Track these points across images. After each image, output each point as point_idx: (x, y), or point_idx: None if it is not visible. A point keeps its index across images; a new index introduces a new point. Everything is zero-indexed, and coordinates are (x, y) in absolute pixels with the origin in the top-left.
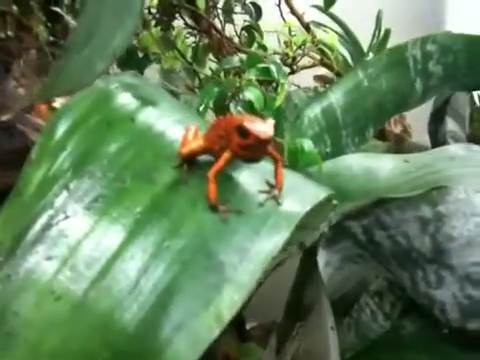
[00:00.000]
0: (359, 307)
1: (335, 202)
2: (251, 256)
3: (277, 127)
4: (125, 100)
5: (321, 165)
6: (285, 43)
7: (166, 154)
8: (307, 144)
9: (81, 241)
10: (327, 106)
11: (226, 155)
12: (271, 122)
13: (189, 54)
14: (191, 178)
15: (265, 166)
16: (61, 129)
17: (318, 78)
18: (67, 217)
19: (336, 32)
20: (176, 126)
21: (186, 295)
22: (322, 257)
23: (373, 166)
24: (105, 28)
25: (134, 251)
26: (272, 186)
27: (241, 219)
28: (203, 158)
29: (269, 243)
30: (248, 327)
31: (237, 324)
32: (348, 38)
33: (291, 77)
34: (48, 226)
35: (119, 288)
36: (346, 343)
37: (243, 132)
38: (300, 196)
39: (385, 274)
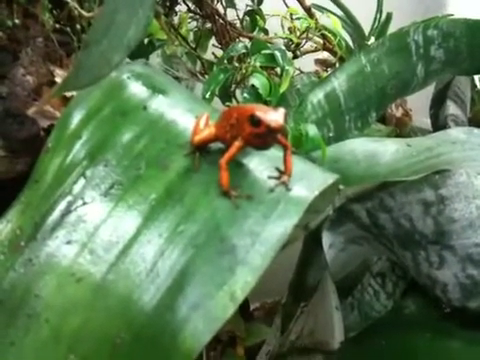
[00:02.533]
0: (362, 287)
1: (341, 186)
2: (262, 239)
3: (287, 116)
4: (137, 89)
5: (325, 150)
6: (289, 29)
7: (178, 142)
8: (311, 129)
9: (99, 226)
10: (330, 91)
11: (238, 143)
12: (282, 111)
13: (191, 39)
14: (203, 165)
15: (275, 153)
16: (76, 119)
17: (319, 62)
18: (85, 203)
19: (337, 16)
20: (187, 115)
21: (201, 277)
22: (326, 239)
23: (376, 150)
24: (120, 21)
25: (150, 236)
26: (282, 172)
27: (252, 204)
28: (214, 146)
29: (279, 227)
30: (251, 308)
31: (241, 305)
32: (350, 22)
33: (293, 62)
34: (67, 212)
35: (137, 271)
36: (349, 322)
37: (255, 121)
38: (308, 182)
39: (388, 255)
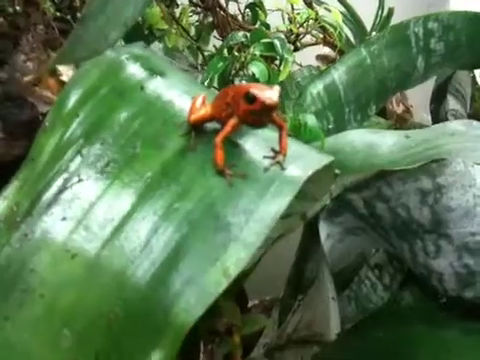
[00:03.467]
0: (359, 279)
1: (337, 171)
2: (256, 217)
3: (281, 97)
4: (134, 70)
5: (324, 140)
6: (289, 19)
7: (174, 122)
8: (310, 119)
9: (94, 203)
10: (330, 83)
11: (233, 121)
12: (277, 89)
13: (193, 32)
14: (199, 144)
15: (270, 134)
16: (73, 98)
17: (320, 58)
18: (81, 180)
19: (339, 11)
20: (184, 96)
21: (195, 253)
22: (323, 229)
23: (374, 141)
24: (118, 0)
25: (145, 213)
26: (276, 152)
27: (247, 183)
28: (210, 126)
29: (273, 205)
30: (250, 305)
31: (239, 300)
32: (351, 17)
33: (294, 55)
34: (63, 189)
35: (131, 247)
36: (346, 314)
37: (250, 98)
38: (303, 162)
39: (385, 247)
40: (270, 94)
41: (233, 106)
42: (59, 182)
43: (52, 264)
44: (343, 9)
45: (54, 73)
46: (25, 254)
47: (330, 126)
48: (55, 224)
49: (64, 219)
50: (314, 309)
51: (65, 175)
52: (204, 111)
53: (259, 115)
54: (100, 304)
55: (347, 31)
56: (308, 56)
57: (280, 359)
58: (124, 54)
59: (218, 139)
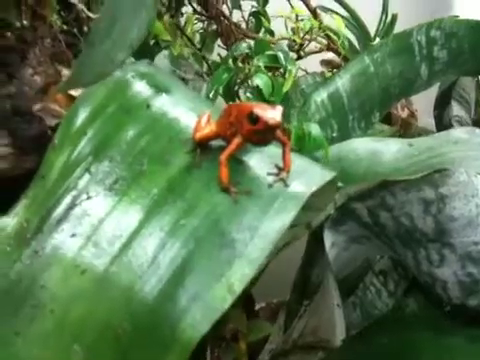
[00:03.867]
0: (364, 286)
1: (340, 184)
2: (261, 233)
3: (285, 113)
4: (141, 88)
5: (328, 149)
6: (292, 30)
7: (180, 139)
8: (314, 129)
9: (103, 220)
10: (333, 91)
11: (237, 140)
12: (280, 109)
13: (197, 40)
14: (204, 162)
15: (274, 151)
16: (81, 116)
17: (325, 63)
18: (89, 197)
19: (343, 17)
20: (189, 113)
21: (200, 269)
22: (328, 238)
23: (378, 150)
24: (123, 21)
25: (152, 229)
26: (280, 169)
27: (251, 200)
28: (215, 143)
29: (277, 221)
30: (257, 307)
31: (246, 303)
32: (355, 23)
33: (298, 62)
34: (72, 206)
35: (139, 263)
36: (351, 321)
37: (253, 118)
38: (307, 178)
39: (389, 254)
40: (273, 114)
41: (237, 125)
42: (68, 199)
43: (62, 280)
44: (346, 14)
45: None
46: (36, 270)
47: (334, 134)
48: (65, 240)
49: (74, 235)
50: (319, 315)
51: (74, 192)
52: (209, 129)
53: (263, 134)
54: (109, 318)
55: (351, 36)
56: (312, 62)
57: None
58: (130, 72)
59: (223, 157)
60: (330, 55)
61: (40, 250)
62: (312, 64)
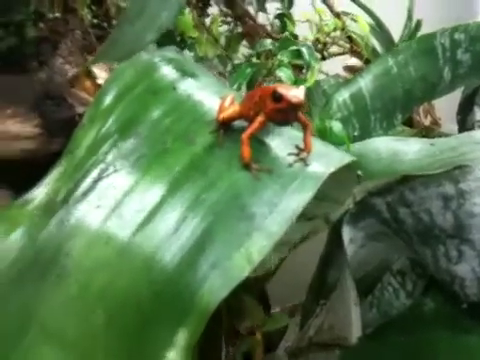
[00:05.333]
0: (382, 286)
1: (359, 172)
2: (280, 209)
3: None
4: (167, 71)
5: (349, 145)
6: (317, 27)
7: (204, 120)
8: (336, 125)
9: (127, 193)
10: (356, 91)
11: (260, 119)
12: (303, 89)
13: (222, 41)
14: (227, 142)
15: (295, 134)
16: (110, 96)
17: (348, 69)
18: (115, 171)
19: (366, 22)
20: (213, 96)
21: (220, 239)
22: (347, 234)
23: (399, 148)
24: (154, 6)
25: (174, 203)
26: (301, 150)
27: (271, 178)
28: (238, 124)
29: (296, 199)
30: (272, 311)
31: (262, 298)
32: (378, 29)
33: (321, 66)
34: (98, 179)
35: (160, 234)
36: (367, 321)
37: (277, 97)
38: (326, 159)
39: (407, 253)
40: (296, 93)
41: (260, 105)
42: (95, 173)
43: (86, 249)
44: (370, 20)
45: (90, 76)
46: (61, 239)
47: (355, 133)
48: (90, 211)
49: (99, 207)
50: (336, 313)
51: (101, 166)
52: (232, 110)
53: (285, 113)
54: (131, 286)
55: (374, 42)
56: (335, 66)
57: None
58: (158, 57)
59: (245, 135)
60: (353, 61)
61: (66, 220)
62: (334, 70)
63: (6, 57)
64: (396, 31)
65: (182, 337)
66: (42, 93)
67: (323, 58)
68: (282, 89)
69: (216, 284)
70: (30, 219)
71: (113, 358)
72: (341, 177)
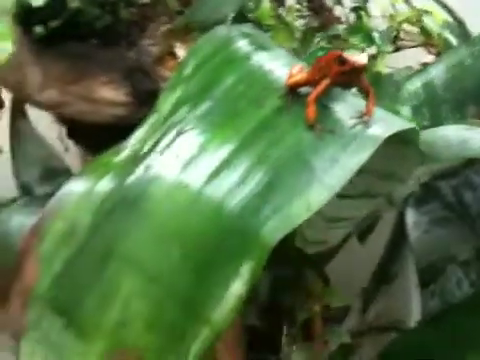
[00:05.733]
0: (445, 275)
1: (422, 149)
2: (340, 165)
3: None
4: (242, 45)
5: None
6: (390, 16)
7: (274, 87)
8: (405, 110)
9: (202, 148)
10: (428, 81)
11: (325, 81)
12: (365, 54)
13: (298, 35)
14: (294, 105)
15: (358, 102)
16: (190, 65)
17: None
18: (192, 129)
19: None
20: (284, 67)
21: (282, 189)
22: (410, 217)
23: (470, 136)
24: None
25: (242, 158)
26: (363, 114)
27: (334, 138)
28: (305, 90)
29: (356, 157)
30: None
31: (320, 273)
32: (454, 21)
33: (393, 60)
34: (178, 135)
35: (228, 183)
36: (429, 309)
37: (341, 60)
38: (387, 123)
39: (472, 240)
40: (360, 57)
41: (326, 69)
42: (175, 130)
43: (166, 193)
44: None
45: (173, 56)
46: (145, 184)
47: (425, 123)
48: (170, 162)
49: (177, 158)
50: (396, 297)
51: (180, 124)
52: (300, 76)
53: (349, 76)
54: (202, 227)
55: (449, 36)
56: (409, 61)
57: (358, 347)
58: (235, 31)
59: (311, 97)
60: (429, 58)
61: (150, 168)
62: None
63: (102, 34)
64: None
65: (246, 270)
66: (133, 66)
67: (397, 49)
68: (346, 54)
69: (276, 226)
70: (118, 167)
71: (187, 288)
72: (405, 153)
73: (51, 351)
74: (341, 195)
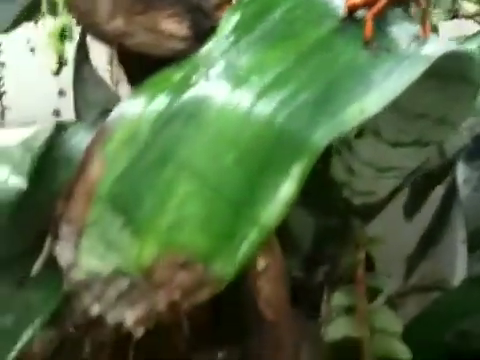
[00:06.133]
0: None
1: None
2: (394, 77)
3: None
4: None
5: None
6: None
7: (331, 14)
8: None
9: (254, 68)
10: None
11: (383, 0)
12: None
13: None
14: (352, 26)
15: (414, 27)
16: None
17: None
18: (242, 52)
19: None
20: None
21: (337, 98)
22: (461, 173)
23: None
24: None
25: (295, 74)
26: (417, 36)
27: (389, 55)
28: (362, 14)
29: (409, 72)
30: None
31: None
32: None
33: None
34: (232, 58)
35: (279, 98)
36: (475, 273)
37: None
38: (439, 46)
39: None
40: None
41: None
42: (230, 53)
43: (221, 107)
44: None
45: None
46: (202, 98)
47: None
48: (221, 84)
49: (228, 79)
50: (441, 257)
51: (235, 46)
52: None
53: None
54: (255, 136)
55: None
56: None
57: (401, 305)
58: None
59: (369, 14)
60: None
61: (205, 84)
62: None
63: None
64: None
65: (296, 171)
66: (195, 5)
67: (454, 17)
68: None
69: (327, 129)
70: (174, 85)
71: (239, 191)
72: (458, 94)
73: (108, 248)
74: (393, 143)
